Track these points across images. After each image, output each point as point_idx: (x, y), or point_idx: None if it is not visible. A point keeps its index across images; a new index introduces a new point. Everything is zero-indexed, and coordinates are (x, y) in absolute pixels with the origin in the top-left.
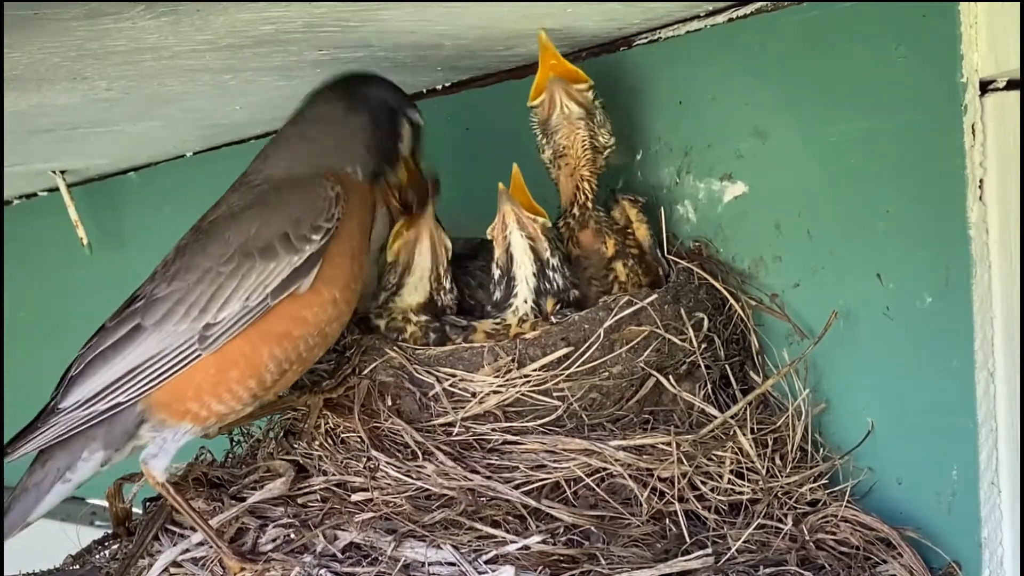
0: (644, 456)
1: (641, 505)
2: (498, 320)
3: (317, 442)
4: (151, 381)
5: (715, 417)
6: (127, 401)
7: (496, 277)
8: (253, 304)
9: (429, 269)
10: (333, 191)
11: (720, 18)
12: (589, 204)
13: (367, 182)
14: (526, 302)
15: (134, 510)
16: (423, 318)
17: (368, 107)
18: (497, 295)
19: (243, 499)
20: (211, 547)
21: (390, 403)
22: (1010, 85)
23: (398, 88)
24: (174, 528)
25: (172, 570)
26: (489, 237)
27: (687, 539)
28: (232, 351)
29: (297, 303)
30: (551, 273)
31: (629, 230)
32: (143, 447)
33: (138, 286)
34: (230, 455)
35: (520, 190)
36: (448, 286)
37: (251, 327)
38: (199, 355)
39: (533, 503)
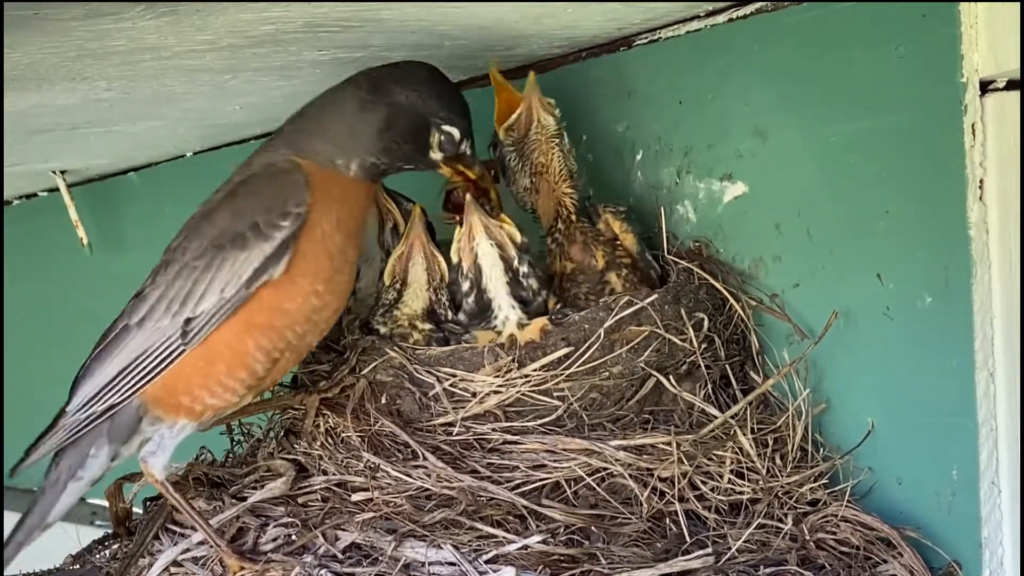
0: (644, 456)
1: (641, 505)
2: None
3: (318, 442)
4: (141, 380)
5: (715, 417)
6: (121, 401)
7: (465, 289)
8: (229, 295)
9: (425, 282)
10: (301, 179)
11: (720, 18)
12: (573, 218)
13: (364, 179)
14: (509, 316)
15: (134, 510)
16: (428, 326)
17: (388, 107)
18: (467, 306)
19: (243, 499)
20: (211, 546)
21: (389, 403)
22: (1010, 85)
23: (440, 91)
24: (174, 528)
25: (172, 569)
26: (455, 259)
27: (687, 539)
28: (217, 343)
29: (276, 294)
30: (524, 280)
31: (617, 241)
32: (148, 441)
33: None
34: (230, 455)
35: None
36: (446, 301)
37: (233, 318)
38: (183, 350)
39: (531, 505)
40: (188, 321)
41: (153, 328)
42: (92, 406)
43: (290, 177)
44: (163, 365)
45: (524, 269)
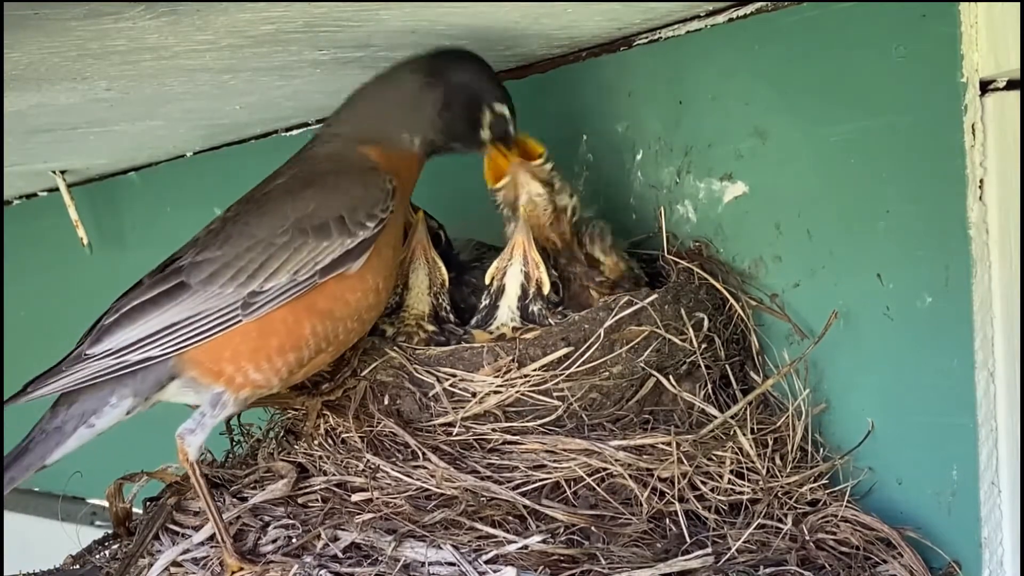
0: (644, 456)
1: (641, 505)
2: (492, 331)
3: (317, 442)
4: (188, 339)
5: (715, 417)
6: (160, 356)
7: (483, 304)
8: (301, 279)
9: (426, 287)
10: (391, 184)
11: (720, 18)
12: (562, 260)
13: (422, 152)
14: (506, 322)
15: (134, 510)
16: (432, 328)
17: (447, 86)
18: (477, 317)
19: (244, 499)
20: (214, 545)
21: (389, 403)
22: (1010, 85)
23: (490, 74)
24: (174, 528)
25: (172, 570)
26: (488, 280)
27: (687, 539)
28: (275, 319)
29: (343, 285)
30: (530, 316)
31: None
32: (187, 406)
33: (177, 249)
34: (230, 455)
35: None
36: (447, 305)
37: (297, 300)
38: (240, 320)
39: (531, 504)
40: (253, 294)
41: (215, 293)
42: (125, 355)
43: (377, 177)
44: (216, 331)
45: (535, 309)
